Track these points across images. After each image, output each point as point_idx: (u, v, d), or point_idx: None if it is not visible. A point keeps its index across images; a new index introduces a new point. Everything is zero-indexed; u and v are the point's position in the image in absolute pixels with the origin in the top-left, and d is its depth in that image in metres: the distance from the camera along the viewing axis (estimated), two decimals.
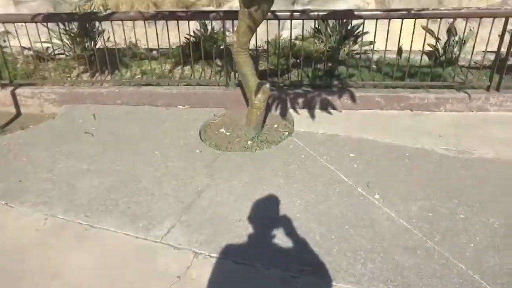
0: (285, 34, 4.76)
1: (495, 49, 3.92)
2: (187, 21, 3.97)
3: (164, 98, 4.21)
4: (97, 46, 4.84)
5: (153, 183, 2.99)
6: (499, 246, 2.33)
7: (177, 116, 4.02)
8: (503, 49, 3.85)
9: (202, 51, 4.17)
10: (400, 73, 4.25)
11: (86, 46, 4.83)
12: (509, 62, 4.17)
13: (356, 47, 4.81)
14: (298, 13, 3.73)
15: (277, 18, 3.76)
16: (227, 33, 4.14)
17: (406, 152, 3.33)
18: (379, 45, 4.22)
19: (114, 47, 4.30)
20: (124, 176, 3.09)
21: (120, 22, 4.02)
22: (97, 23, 4.75)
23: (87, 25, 4.76)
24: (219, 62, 4.73)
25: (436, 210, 2.63)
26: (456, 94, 3.93)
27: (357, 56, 4.77)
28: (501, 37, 3.71)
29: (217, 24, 4.86)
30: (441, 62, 4.54)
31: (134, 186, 2.96)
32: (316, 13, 3.77)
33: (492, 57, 4.35)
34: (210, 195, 2.84)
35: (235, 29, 3.40)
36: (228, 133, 3.75)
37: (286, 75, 4.36)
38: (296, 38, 4.77)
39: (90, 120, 3.99)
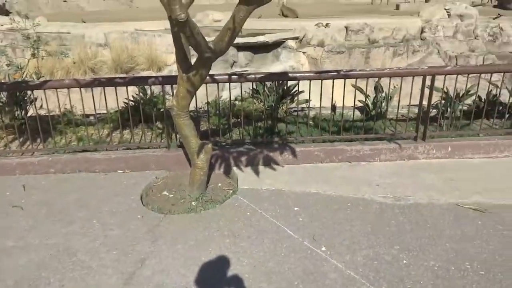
0: (225, 94, 4.94)
1: (418, 102, 4.34)
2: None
3: (102, 163, 4.09)
4: (29, 114, 4.68)
5: (90, 255, 2.81)
6: None
7: (116, 182, 3.91)
8: (425, 102, 4.28)
9: (142, 114, 4.18)
10: (336, 128, 4.52)
11: (16, 115, 4.66)
12: (431, 114, 4.62)
13: (294, 105, 5.08)
14: (236, 76, 3.92)
15: (216, 81, 3.92)
16: (166, 96, 4.22)
17: (348, 202, 3.46)
18: (315, 102, 4.52)
19: (47, 114, 4.18)
20: (57, 250, 2.88)
21: (54, 89, 3.96)
22: (29, 91, 4.64)
23: (17, 93, 4.62)
24: (159, 125, 4.75)
25: (380, 257, 2.72)
26: (388, 145, 4.23)
27: (295, 113, 5.03)
28: (421, 92, 4.12)
29: (156, 88, 4.94)
30: (372, 116, 4.91)
31: (68, 260, 2.77)
32: (253, 75, 3.98)
33: (416, 109, 4.79)
34: (154, 262, 2.72)
35: (175, 92, 3.48)
36: (171, 195, 3.68)
37: (228, 134, 4.46)
38: (236, 99, 4.97)
39: (19, 192, 3.75)
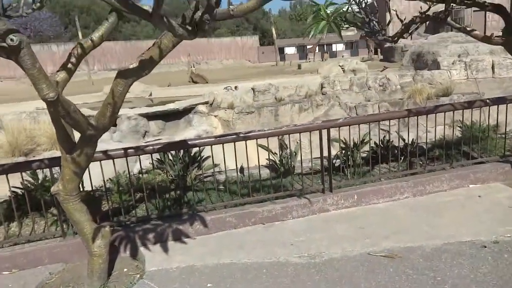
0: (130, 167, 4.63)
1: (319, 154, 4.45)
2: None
3: None
4: None
5: None
6: None
7: None
8: (327, 154, 4.39)
9: (28, 203, 3.70)
10: (246, 190, 4.41)
11: None
12: (336, 164, 4.76)
13: (202, 171, 4.92)
14: (132, 150, 3.69)
15: (110, 157, 3.64)
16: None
17: (263, 268, 3.26)
18: (226, 165, 4.42)
19: None
20: None
21: None
22: None
23: None
24: (54, 211, 4.25)
25: None
26: (299, 201, 4.19)
27: (205, 179, 4.86)
28: (320, 145, 4.23)
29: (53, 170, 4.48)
30: (280, 173, 4.90)
31: None
32: (151, 147, 3.78)
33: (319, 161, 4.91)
34: None
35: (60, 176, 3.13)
36: None
37: (132, 211, 4.12)
38: (139, 172, 4.67)
39: None
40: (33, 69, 2.24)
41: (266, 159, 5.05)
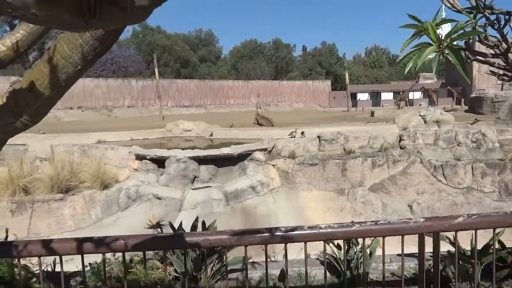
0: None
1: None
2: None
3: None
4: None
5: None
6: None
7: None
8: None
9: None
10: None
11: None
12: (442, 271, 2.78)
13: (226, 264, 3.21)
14: (90, 244, 2.10)
15: (54, 252, 2.08)
16: None
17: None
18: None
19: None
20: None
21: None
22: None
23: None
24: None
25: None
26: None
27: (228, 276, 3.14)
28: (421, 258, 2.33)
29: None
30: (344, 280, 3.02)
31: None
32: (122, 241, 2.15)
33: (412, 263, 3.00)
34: None
35: None
36: None
37: None
38: (131, 261, 3.07)
39: None
40: None
41: (321, 252, 3.22)
